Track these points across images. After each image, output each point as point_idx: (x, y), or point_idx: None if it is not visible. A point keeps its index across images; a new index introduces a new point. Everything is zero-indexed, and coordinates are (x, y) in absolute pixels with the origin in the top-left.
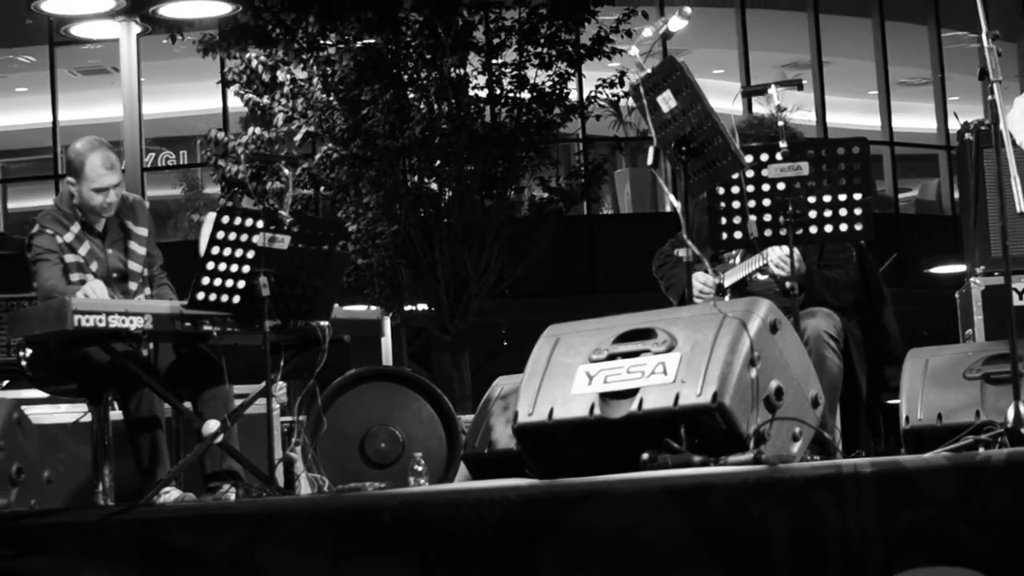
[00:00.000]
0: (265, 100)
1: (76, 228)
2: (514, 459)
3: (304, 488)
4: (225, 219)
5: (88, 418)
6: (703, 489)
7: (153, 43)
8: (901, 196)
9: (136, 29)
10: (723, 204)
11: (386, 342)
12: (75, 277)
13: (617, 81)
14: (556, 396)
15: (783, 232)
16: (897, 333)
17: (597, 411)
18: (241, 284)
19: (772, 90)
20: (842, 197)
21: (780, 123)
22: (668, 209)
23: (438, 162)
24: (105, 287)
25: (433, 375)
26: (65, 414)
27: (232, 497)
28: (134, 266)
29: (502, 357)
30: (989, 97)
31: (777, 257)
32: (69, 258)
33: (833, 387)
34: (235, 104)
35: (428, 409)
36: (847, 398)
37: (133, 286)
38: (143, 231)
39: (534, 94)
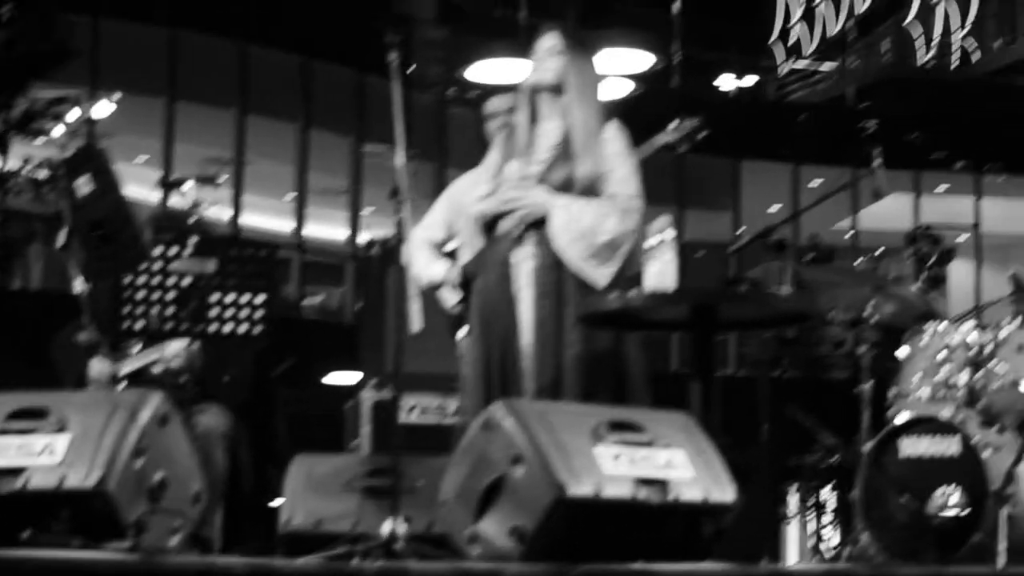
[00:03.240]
0: None
1: None
2: None
3: None
4: None
5: None
6: (79, 573)
7: None
8: (305, 302)
9: None
10: (128, 293)
11: None
12: None
13: (43, 162)
14: None
15: (183, 326)
16: (286, 436)
17: None
18: None
19: (190, 184)
20: (243, 298)
21: (193, 218)
22: (78, 291)
23: None
24: None
25: None
26: None
27: None
28: None
29: None
30: (399, 215)
31: (172, 352)
32: None
33: (217, 484)
34: None
35: None
36: (232, 497)
37: None
38: None
39: None
